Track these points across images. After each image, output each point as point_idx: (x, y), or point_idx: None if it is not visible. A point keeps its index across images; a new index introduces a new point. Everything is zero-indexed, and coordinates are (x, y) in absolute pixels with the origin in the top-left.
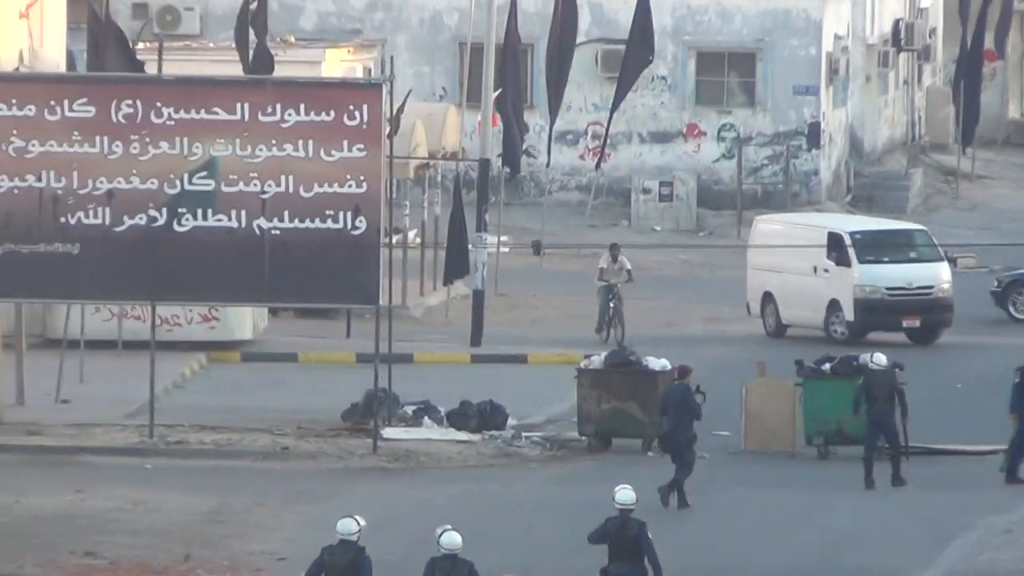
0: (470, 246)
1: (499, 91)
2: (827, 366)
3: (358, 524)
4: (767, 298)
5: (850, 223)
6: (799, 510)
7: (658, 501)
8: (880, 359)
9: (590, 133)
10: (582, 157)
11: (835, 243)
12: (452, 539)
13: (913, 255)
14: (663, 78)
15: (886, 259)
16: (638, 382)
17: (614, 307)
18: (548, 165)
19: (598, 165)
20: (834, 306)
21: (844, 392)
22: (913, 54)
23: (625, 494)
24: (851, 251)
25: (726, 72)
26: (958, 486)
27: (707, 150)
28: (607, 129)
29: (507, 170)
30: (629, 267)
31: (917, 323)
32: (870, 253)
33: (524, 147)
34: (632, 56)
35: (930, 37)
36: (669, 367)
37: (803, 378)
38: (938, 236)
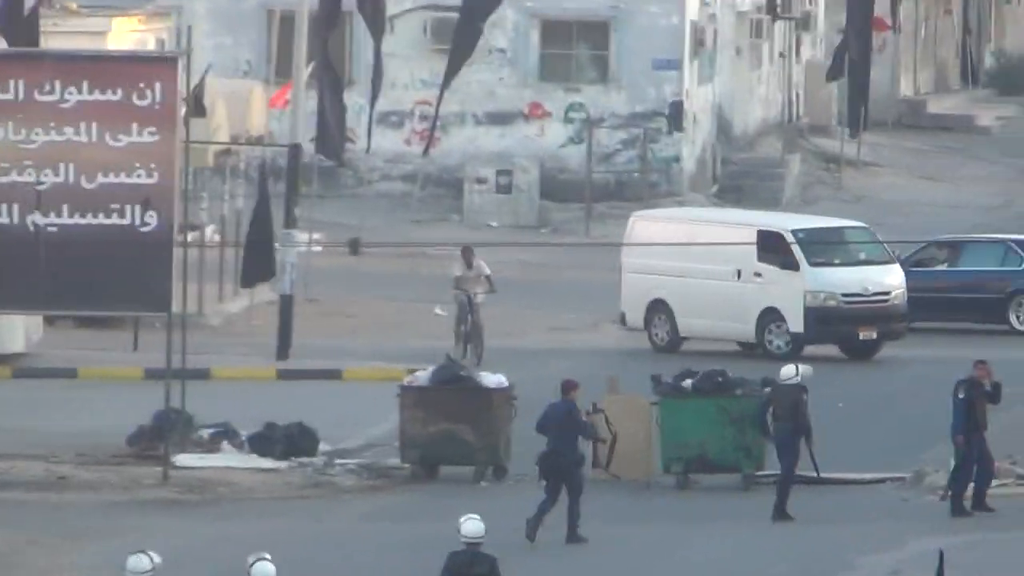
0: (277, 244)
1: (312, 65)
2: (688, 382)
3: (151, 561)
4: (656, 307)
5: (785, 220)
6: (654, 549)
7: (518, 535)
8: (789, 372)
9: (417, 114)
10: (407, 142)
11: (771, 243)
12: (474, 527)
13: (862, 256)
14: (502, 51)
15: (837, 261)
16: (470, 401)
17: (472, 321)
18: (368, 151)
19: (426, 151)
20: (770, 316)
21: (707, 412)
22: (791, 23)
23: (472, 525)
24: (798, 252)
25: (574, 44)
26: (840, 519)
27: (552, 133)
28: (437, 109)
29: (320, 158)
30: (488, 272)
31: (874, 334)
32: (818, 254)
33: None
34: (465, 25)
35: (810, 3)
36: (506, 384)
37: (660, 396)
38: None
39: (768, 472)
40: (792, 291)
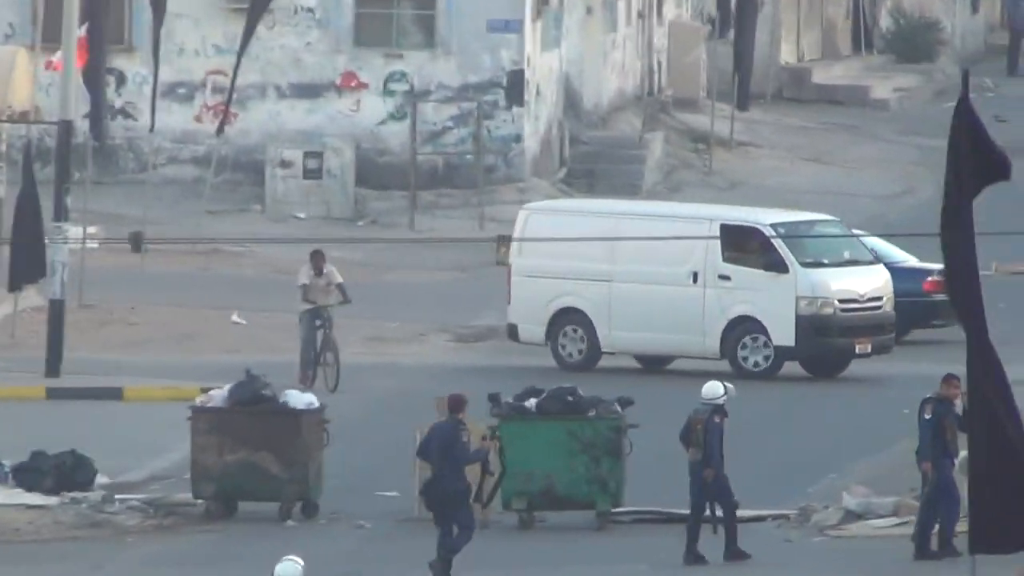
0: (46, 240)
1: (85, 26)
2: (532, 402)
3: (302, 569)
4: (564, 318)
5: (750, 213)
6: None
7: None
8: (714, 390)
9: (210, 85)
10: (199, 119)
11: (742, 240)
12: (288, 571)
13: (847, 255)
14: (310, 10)
15: (826, 262)
16: (275, 426)
17: (323, 337)
18: (152, 129)
19: (220, 129)
20: (743, 327)
21: (553, 437)
22: None
23: (290, 568)
24: (784, 251)
25: (395, 2)
26: (713, 565)
27: (370, 108)
28: (233, 80)
29: (92, 137)
30: (340, 280)
31: (869, 348)
32: (806, 253)
33: (119, 106)
34: None
35: None
36: (316, 405)
37: (499, 419)
38: None
39: (627, 509)
40: (777, 297)
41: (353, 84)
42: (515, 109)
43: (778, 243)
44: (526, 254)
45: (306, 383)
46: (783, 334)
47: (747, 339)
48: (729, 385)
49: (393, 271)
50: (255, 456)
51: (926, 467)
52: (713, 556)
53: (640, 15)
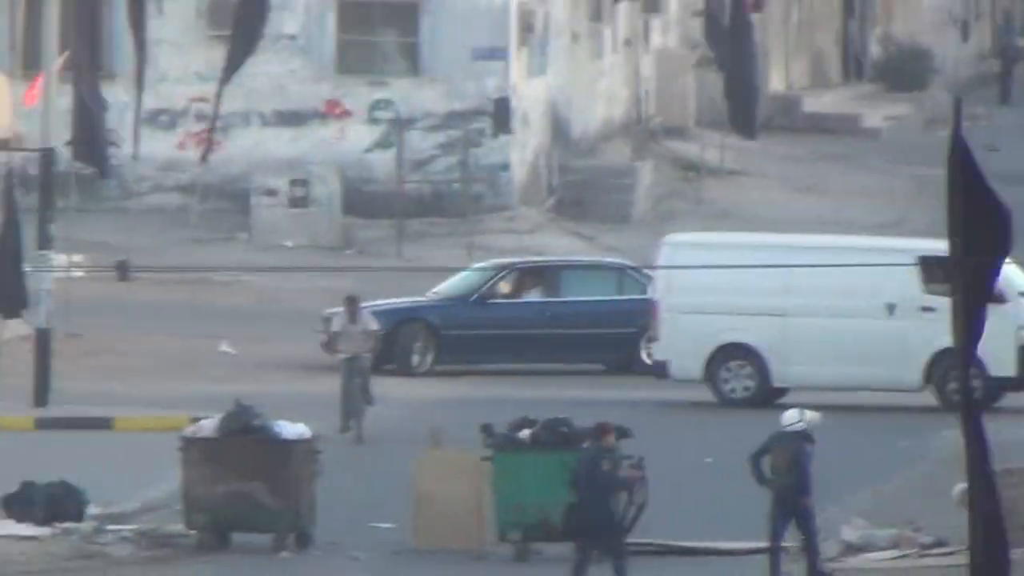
0: (28, 268)
1: (66, 54)
2: (526, 432)
3: None
4: (728, 353)
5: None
6: None
7: None
8: (791, 417)
9: (193, 112)
10: (182, 146)
11: (940, 272)
12: None
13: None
14: (293, 37)
15: None
16: (266, 455)
17: (360, 388)
18: (136, 157)
19: (204, 157)
20: (944, 359)
21: (548, 469)
22: (636, 4)
23: None
24: (1003, 282)
25: (379, 29)
26: None
27: (355, 136)
28: (216, 108)
29: (79, 165)
30: (376, 327)
31: None
32: (1018, 284)
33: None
34: (247, 7)
35: None
36: (308, 435)
37: (493, 450)
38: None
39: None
40: (995, 327)
41: (338, 112)
42: (502, 137)
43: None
44: (677, 290)
45: (350, 436)
46: (1001, 365)
47: (947, 372)
48: (811, 412)
49: (385, 298)
50: (247, 486)
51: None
52: None
53: (627, 42)
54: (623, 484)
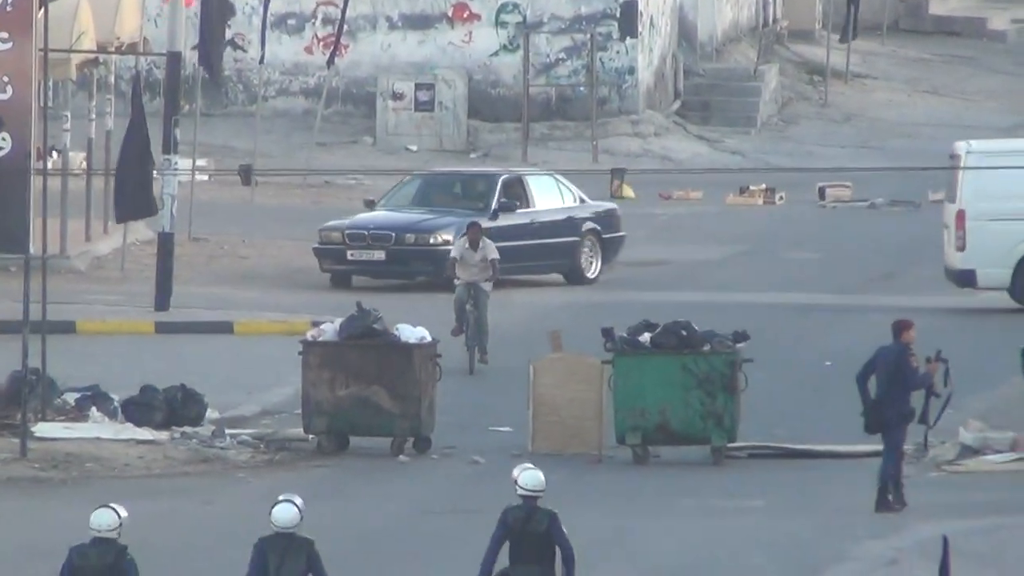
0: (155, 173)
1: None
2: (646, 336)
3: (118, 517)
4: None
5: None
6: (608, 537)
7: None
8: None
9: (320, 16)
10: (309, 50)
11: None
12: (286, 513)
13: None
14: None
15: None
16: (386, 360)
17: (473, 315)
18: (262, 61)
19: (331, 61)
20: None
21: (668, 372)
22: None
23: (531, 476)
24: None
25: None
26: (825, 500)
27: (482, 39)
28: (344, 10)
29: (203, 71)
30: (496, 256)
31: None
32: None
33: (229, 37)
34: None
35: None
36: (429, 339)
37: (613, 353)
38: (799, 157)
39: (742, 444)
40: None
41: (465, 16)
42: (628, 41)
43: None
44: (983, 196)
45: (457, 334)
46: None
47: None
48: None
49: None
50: (367, 391)
51: None
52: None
53: None
54: (927, 380)
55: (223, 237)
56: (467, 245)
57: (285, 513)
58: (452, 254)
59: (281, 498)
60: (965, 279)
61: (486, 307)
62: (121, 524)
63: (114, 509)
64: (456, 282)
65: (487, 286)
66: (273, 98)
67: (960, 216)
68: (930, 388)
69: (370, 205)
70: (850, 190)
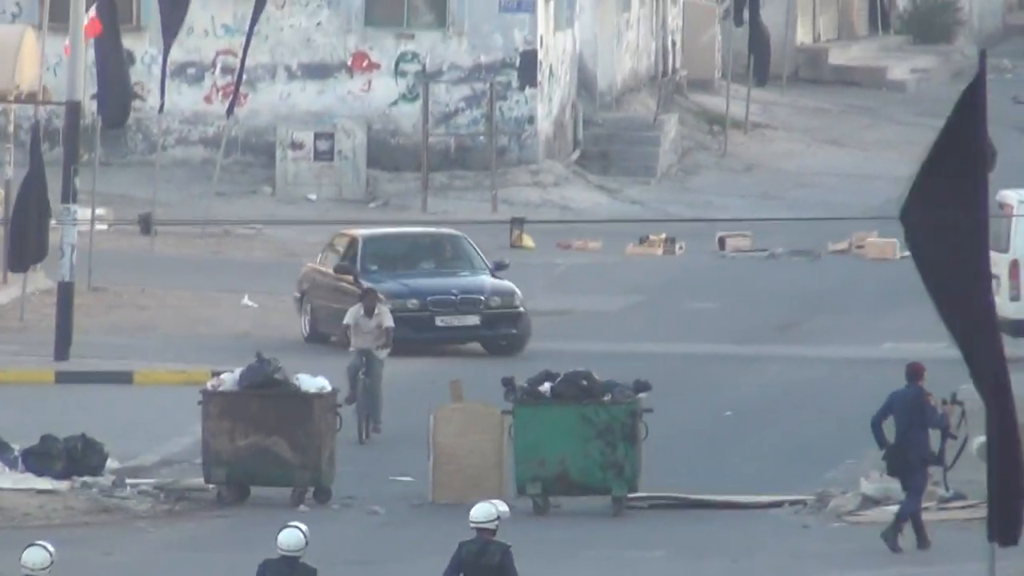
0: (53, 221)
1: (95, 5)
2: (547, 386)
3: (50, 555)
4: None
5: None
6: None
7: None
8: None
9: (219, 65)
10: (208, 99)
11: None
12: (291, 537)
13: None
14: None
15: None
16: (286, 410)
17: (365, 384)
18: (162, 110)
19: (230, 110)
20: None
21: (568, 422)
22: None
23: (480, 509)
24: None
25: None
26: (729, 549)
27: (381, 89)
28: (242, 60)
29: (100, 118)
30: (391, 324)
31: None
32: None
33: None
34: None
35: None
36: (328, 388)
37: (513, 403)
38: (699, 207)
39: (643, 494)
40: None
41: (364, 65)
42: (528, 90)
43: None
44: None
45: (350, 402)
46: None
47: None
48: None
49: None
50: (267, 440)
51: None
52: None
53: None
54: (942, 421)
55: (123, 287)
56: (362, 312)
57: (290, 537)
58: (346, 320)
59: (288, 524)
60: (1020, 329)
61: (380, 376)
62: (52, 563)
63: (44, 547)
64: (349, 349)
65: (381, 354)
66: (172, 147)
67: (1015, 266)
68: (946, 430)
69: (342, 269)
70: (750, 240)
